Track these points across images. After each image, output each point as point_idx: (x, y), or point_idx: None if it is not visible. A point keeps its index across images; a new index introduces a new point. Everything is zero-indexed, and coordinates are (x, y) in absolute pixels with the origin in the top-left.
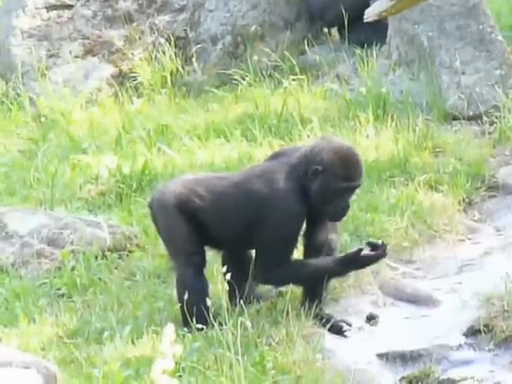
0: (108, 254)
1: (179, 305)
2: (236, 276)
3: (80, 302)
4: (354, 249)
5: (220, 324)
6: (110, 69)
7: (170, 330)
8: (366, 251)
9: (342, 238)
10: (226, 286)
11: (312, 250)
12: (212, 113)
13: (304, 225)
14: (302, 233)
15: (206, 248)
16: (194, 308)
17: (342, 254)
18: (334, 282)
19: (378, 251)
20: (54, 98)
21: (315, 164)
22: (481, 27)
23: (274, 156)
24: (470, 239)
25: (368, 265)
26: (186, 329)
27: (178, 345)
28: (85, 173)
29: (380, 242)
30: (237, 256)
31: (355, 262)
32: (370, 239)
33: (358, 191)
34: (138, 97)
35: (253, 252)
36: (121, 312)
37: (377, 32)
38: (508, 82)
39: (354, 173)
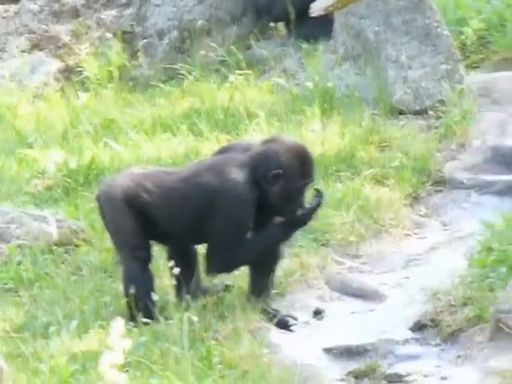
0: (55, 248)
1: (125, 299)
2: (183, 271)
3: (26, 296)
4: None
5: (166, 318)
6: (57, 63)
7: (118, 323)
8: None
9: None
10: (173, 281)
11: None
12: (159, 107)
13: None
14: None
15: (152, 242)
16: (141, 302)
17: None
18: (280, 277)
19: (315, 201)
20: (1, 93)
21: (274, 168)
22: (427, 22)
23: (222, 151)
24: (416, 234)
25: (309, 218)
26: (132, 323)
27: (126, 339)
28: (31, 167)
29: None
30: (183, 250)
31: (297, 219)
32: (317, 233)
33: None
34: (85, 91)
35: (199, 247)
36: (67, 306)
37: (323, 27)
38: (454, 76)
39: (310, 169)
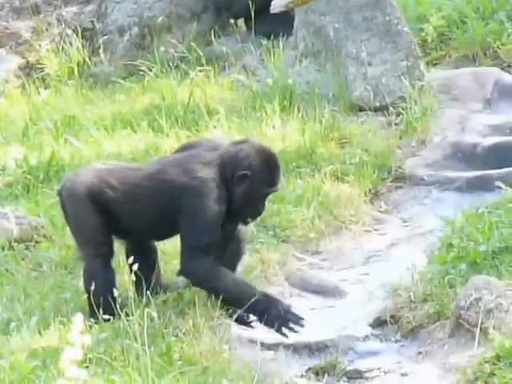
0: (15, 244)
1: (86, 296)
2: (142, 266)
3: None
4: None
5: (127, 315)
6: (17, 60)
7: (78, 319)
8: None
9: (249, 228)
10: (133, 277)
11: (221, 240)
12: (119, 104)
13: None
14: None
15: (114, 238)
16: (101, 299)
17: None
18: (241, 273)
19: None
20: None
21: (243, 169)
22: (387, 18)
23: (183, 148)
24: (376, 230)
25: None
26: (92, 319)
27: (86, 335)
28: None
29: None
30: (142, 246)
31: (270, 306)
32: (277, 229)
33: None
34: (45, 88)
35: (158, 243)
36: (28, 303)
37: (283, 23)
38: (414, 73)
39: (277, 178)
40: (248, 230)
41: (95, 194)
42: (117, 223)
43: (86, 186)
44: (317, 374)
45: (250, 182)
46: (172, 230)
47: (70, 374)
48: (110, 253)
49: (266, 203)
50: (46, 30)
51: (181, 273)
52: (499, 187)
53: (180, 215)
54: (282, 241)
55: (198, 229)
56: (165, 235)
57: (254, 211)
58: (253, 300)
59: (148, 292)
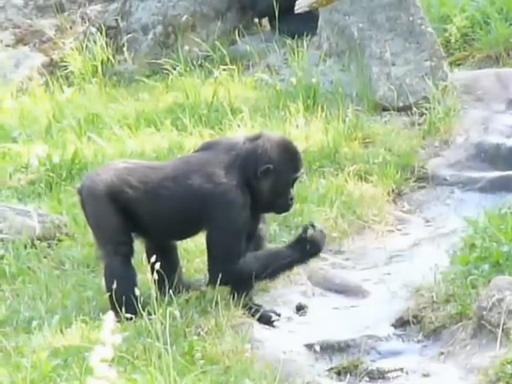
0: (37, 242)
1: (108, 294)
2: (164, 265)
3: (9, 290)
4: (298, 234)
5: (149, 314)
6: (41, 58)
7: (110, 317)
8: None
9: (272, 227)
10: (155, 276)
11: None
12: (142, 102)
13: None
14: None
15: (134, 236)
16: (123, 298)
17: (291, 241)
18: None
19: (318, 230)
20: None
21: (264, 163)
22: (411, 19)
23: (206, 147)
24: (399, 230)
25: (323, 241)
26: (115, 318)
27: (117, 334)
28: (15, 161)
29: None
30: (163, 245)
31: (305, 242)
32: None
33: None
34: (69, 86)
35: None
36: (49, 301)
37: (307, 23)
38: (438, 73)
39: (299, 162)
40: (270, 229)
41: (115, 193)
42: (137, 222)
43: (106, 185)
44: (339, 373)
45: (274, 174)
46: (193, 230)
47: (100, 373)
48: (130, 252)
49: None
50: (70, 28)
51: (212, 283)
52: None
53: (207, 224)
54: None
55: (226, 240)
56: (185, 235)
57: (284, 201)
58: (289, 259)
59: (170, 291)
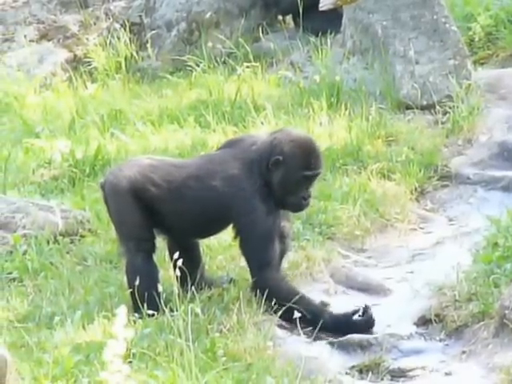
0: (60, 238)
1: (130, 291)
2: (187, 262)
3: (31, 286)
4: (348, 312)
5: (171, 310)
6: (65, 53)
7: (122, 312)
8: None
9: (295, 225)
10: (178, 272)
11: None
12: (166, 99)
13: None
14: None
15: (157, 233)
16: (145, 294)
17: (338, 313)
18: (286, 270)
19: (367, 317)
20: (8, 82)
21: (275, 155)
22: (435, 17)
23: (229, 144)
24: (421, 228)
25: (355, 332)
26: (136, 315)
27: (130, 328)
28: (38, 157)
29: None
30: (185, 242)
31: (344, 323)
32: (322, 226)
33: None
34: (92, 82)
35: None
36: (72, 297)
37: (331, 20)
38: (462, 72)
39: (313, 161)
40: (294, 226)
41: (138, 190)
42: (159, 220)
43: (130, 181)
44: (360, 371)
45: (283, 167)
46: (216, 230)
47: (113, 368)
48: (153, 248)
49: (312, 192)
50: (94, 23)
51: (256, 289)
52: None
53: (236, 231)
54: (328, 238)
55: (260, 247)
56: (208, 234)
57: (296, 199)
58: (321, 322)
59: (192, 288)
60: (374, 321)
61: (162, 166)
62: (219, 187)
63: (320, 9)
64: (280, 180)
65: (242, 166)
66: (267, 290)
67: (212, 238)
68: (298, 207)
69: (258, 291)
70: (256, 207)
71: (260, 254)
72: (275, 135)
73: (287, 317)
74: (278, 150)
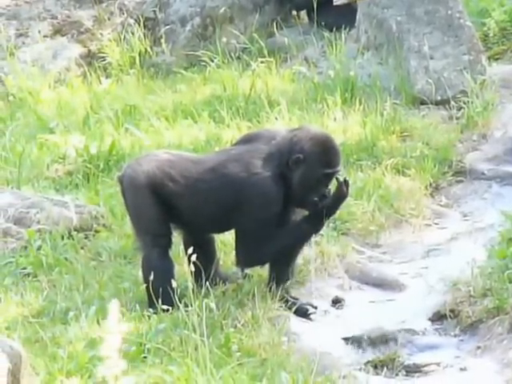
0: (74, 233)
1: (145, 286)
2: (201, 258)
3: (46, 281)
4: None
5: (186, 305)
6: (79, 49)
7: (114, 307)
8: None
9: None
10: (192, 268)
11: None
12: (180, 94)
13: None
14: None
15: (173, 228)
16: (160, 289)
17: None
18: (300, 265)
19: (339, 192)
20: (23, 78)
21: (296, 153)
22: (449, 12)
23: (246, 139)
24: (436, 224)
25: (335, 210)
26: (151, 310)
27: (124, 323)
28: (52, 152)
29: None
30: (201, 237)
31: (321, 212)
32: (337, 222)
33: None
34: (107, 77)
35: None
36: (86, 292)
37: (346, 16)
38: (476, 67)
39: (333, 159)
40: None
41: (156, 185)
42: (176, 215)
43: (148, 176)
44: (375, 367)
45: (304, 165)
46: (232, 224)
47: (109, 363)
48: (169, 243)
49: (331, 188)
50: (108, 19)
51: (242, 267)
52: None
53: (239, 212)
54: (342, 233)
55: (255, 228)
56: (224, 229)
57: (316, 195)
58: (303, 232)
59: (207, 283)
60: (344, 193)
61: (180, 161)
62: (232, 174)
63: (334, 3)
64: (300, 178)
65: (258, 156)
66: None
67: (227, 233)
68: (316, 205)
69: (242, 264)
70: (264, 191)
71: (253, 235)
72: (295, 132)
73: (301, 312)
74: (298, 147)
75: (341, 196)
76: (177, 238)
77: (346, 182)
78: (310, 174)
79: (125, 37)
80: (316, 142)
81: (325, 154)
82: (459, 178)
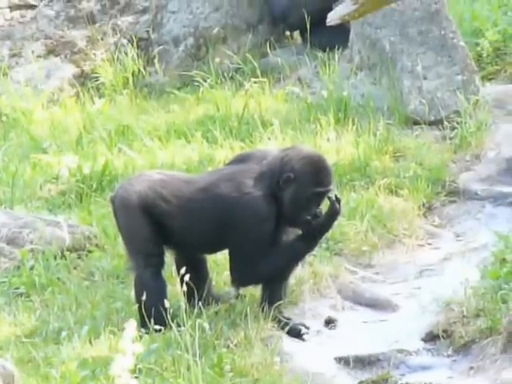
0: (67, 253)
1: (137, 305)
2: (194, 278)
3: (38, 301)
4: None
5: (178, 325)
6: (72, 69)
7: (131, 326)
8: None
9: None
10: (185, 288)
11: None
12: (173, 114)
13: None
14: None
15: (165, 248)
16: (152, 309)
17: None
18: (293, 285)
19: (332, 210)
20: (16, 98)
21: (286, 172)
22: (443, 32)
23: (239, 159)
24: (429, 244)
25: (328, 228)
26: (143, 330)
27: (137, 343)
28: (45, 172)
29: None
30: (193, 257)
31: (314, 231)
32: (330, 242)
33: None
34: (100, 97)
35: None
36: (79, 312)
37: (339, 36)
38: (469, 87)
39: (324, 178)
40: None
41: (148, 205)
42: (168, 235)
43: (140, 196)
44: None
45: (294, 184)
46: (224, 244)
47: (121, 382)
48: (161, 263)
49: (322, 208)
50: (101, 39)
51: (236, 286)
52: None
53: (231, 231)
54: (335, 254)
55: (248, 248)
56: (217, 249)
57: (308, 215)
58: (297, 251)
59: (200, 303)
60: (337, 210)
61: (172, 181)
62: (223, 194)
63: (327, 24)
64: (291, 197)
65: (250, 176)
66: (248, 285)
67: (219, 253)
68: (309, 224)
69: (238, 285)
70: (256, 211)
71: (247, 256)
72: (286, 152)
73: (294, 332)
74: (289, 167)
75: (333, 213)
76: (169, 258)
77: (337, 199)
78: (301, 193)
79: (118, 57)
80: (306, 161)
81: (315, 172)
82: (452, 199)
